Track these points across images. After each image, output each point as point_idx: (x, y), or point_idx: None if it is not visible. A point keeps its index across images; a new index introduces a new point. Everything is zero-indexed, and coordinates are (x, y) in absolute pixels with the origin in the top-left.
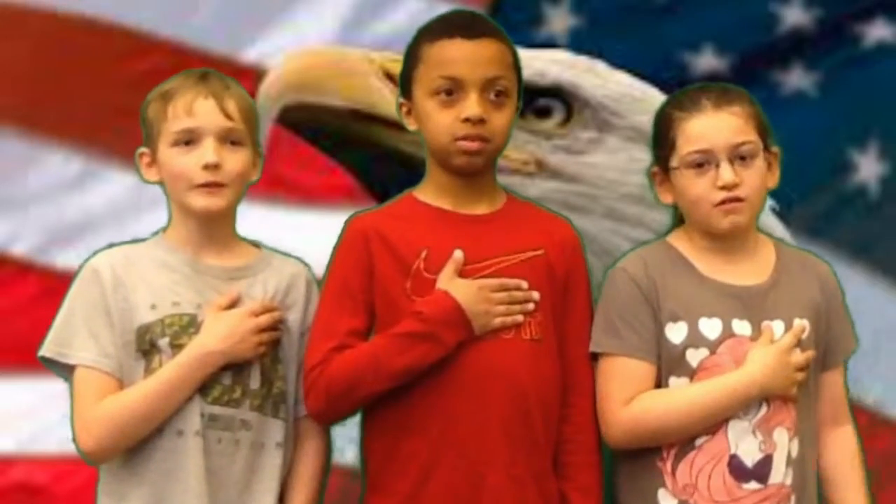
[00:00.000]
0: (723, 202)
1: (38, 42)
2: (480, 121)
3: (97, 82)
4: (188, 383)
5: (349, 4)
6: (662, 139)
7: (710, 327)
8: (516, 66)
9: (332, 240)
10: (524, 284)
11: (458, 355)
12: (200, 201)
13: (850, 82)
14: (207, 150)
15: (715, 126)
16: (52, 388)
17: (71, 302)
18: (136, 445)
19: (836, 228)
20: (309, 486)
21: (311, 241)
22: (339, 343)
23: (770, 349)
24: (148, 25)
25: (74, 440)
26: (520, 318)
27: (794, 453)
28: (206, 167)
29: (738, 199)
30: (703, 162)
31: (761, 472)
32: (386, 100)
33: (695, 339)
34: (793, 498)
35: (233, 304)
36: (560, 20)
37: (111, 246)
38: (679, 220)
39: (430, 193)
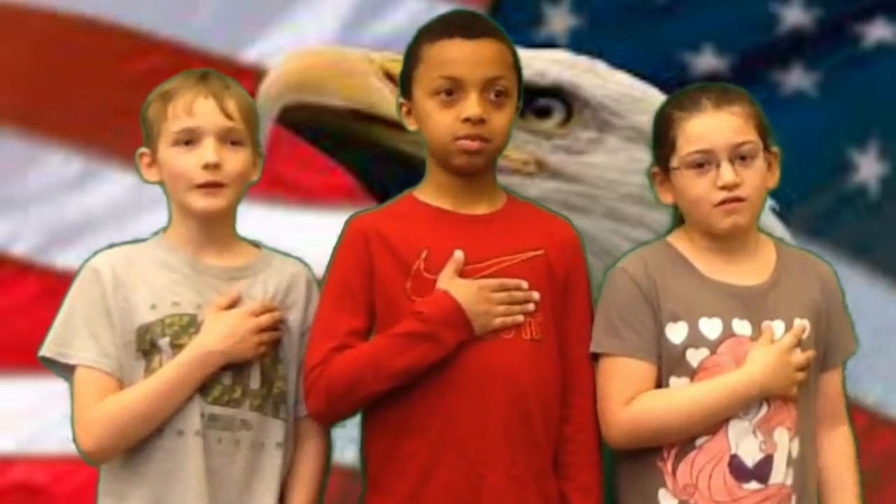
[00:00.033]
0: (723, 202)
1: (38, 42)
2: (480, 121)
3: (97, 82)
4: (188, 383)
5: (349, 4)
6: (662, 139)
7: (711, 327)
8: (516, 66)
9: (332, 240)
10: (524, 284)
11: (458, 355)
12: (200, 202)
13: (850, 82)
14: (207, 150)
15: (715, 126)
16: (52, 388)
17: (71, 302)
18: (137, 445)
19: (836, 228)
20: (309, 486)
21: (311, 241)
22: (340, 343)
23: (770, 349)
24: (148, 25)
25: (75, 440)
26: (520, 318)
27: (795, 453)
28: (206, 167)
29: (738, 199)
30: (704, 162)
31: (762, 472)
32: (386, 100)
33: (695, 339)
34: (793, 498)
35: (233, 304)
36: (560, 20)
37: (111, 246)
38: (679, 220)
39: (430, 193)
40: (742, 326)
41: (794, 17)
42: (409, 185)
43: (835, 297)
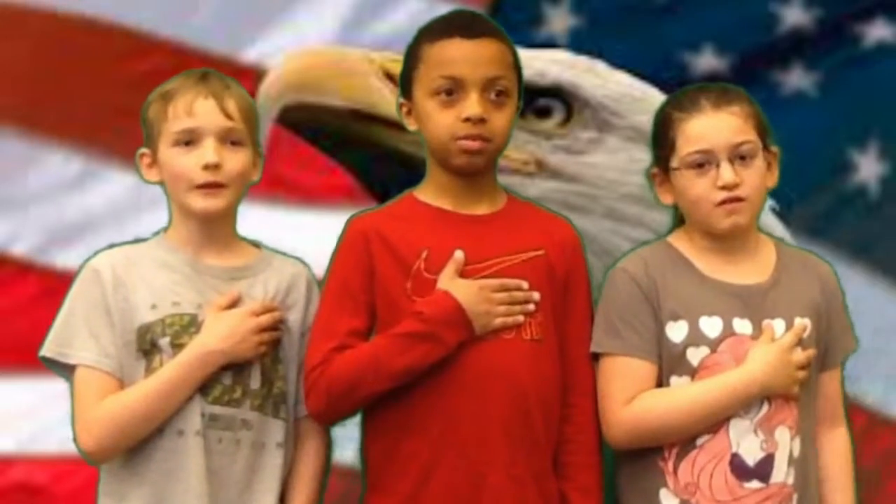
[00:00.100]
0: (723, 202)
1: (38, 42)
2: (481, 120)
3: (97, 82)
4: (189, 383)
5: (349, 4)
6: (662, 140)
7: (711, 326)
8: (516, 66)
9: (332, 240)
10: (525, 285)
11: (458, 355)
12: (200, 202)
13: (850, 82)
14: (207, 151)
15: (715, 126)
16: (52, 388)
17: (71, 302)
18: (137, 445)
19: (836, 228)
20: (309, 486)
21: (311, 241)
22: (340, 343)
23: (771, 347)
24: (148, 25)
25: (75, 440)
26: (520, 318)
27: (796, 452)
28: (207, 167)
29: (738, 199)
30: (704, 162)
31: (763, 471)
32: (386, 100)
33: (695, 338)
34: (795, 497)
35: (233, 304)
36: (560, 20)
37: (112, 246)
38: (679, 220)
39: (430, 193)
40: (742, 325)
41: (794, 17)
42: (409, 185)
43: (835, 296)
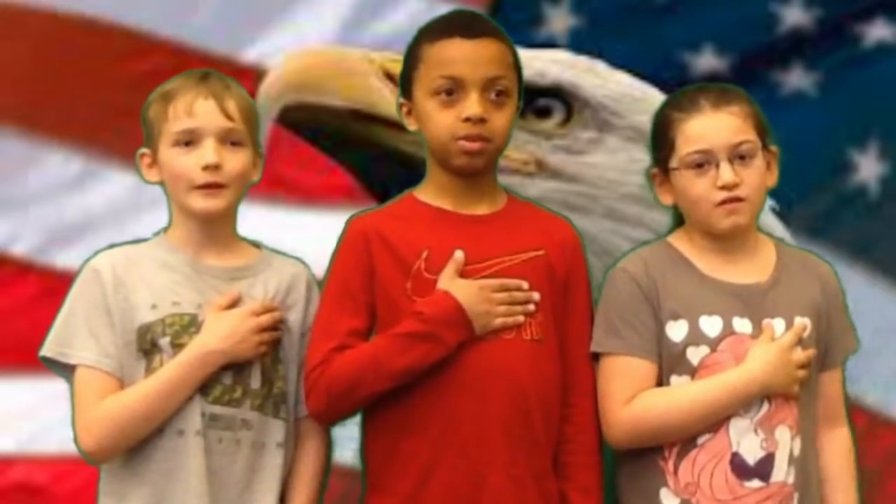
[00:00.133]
0: (723, 202)
1: (38, 42)
2: (481, 120)
3: (97, 82)
4: (189, 383)
5: (349, 4)
6: (661, 140)
7: (711, 325)
8: (517, 65)
9: (332, 240)
10: (525, 285)
11: (458, 355)
12: (200, 203)
13: (850, 82)
14: (208, 151)
15: (714, 126)
16: (52, 388)
17: (72, 302)
18: (137, 445)
19: (836, 228)
20: (309, 487)
21: (311, 241)
22: (340, 343)
23: (771, 346)
24: (148, 25)
25: (75, 440)
26: (521, 318)
27: (797, 452)
28: (207, 168)
29: (738, 199)
30: (703, 162)
31: (763, 470)
32: (386, 100)
33: (695, 337)
34: (795, 497)
35: (233, 304)
36: (560, 20)
37: (112, 246)
38: (679, 220)
39: (430, 194)
40: (742, 324)
41: (794, 17)
42: (409, 185)
43: (835, 297)
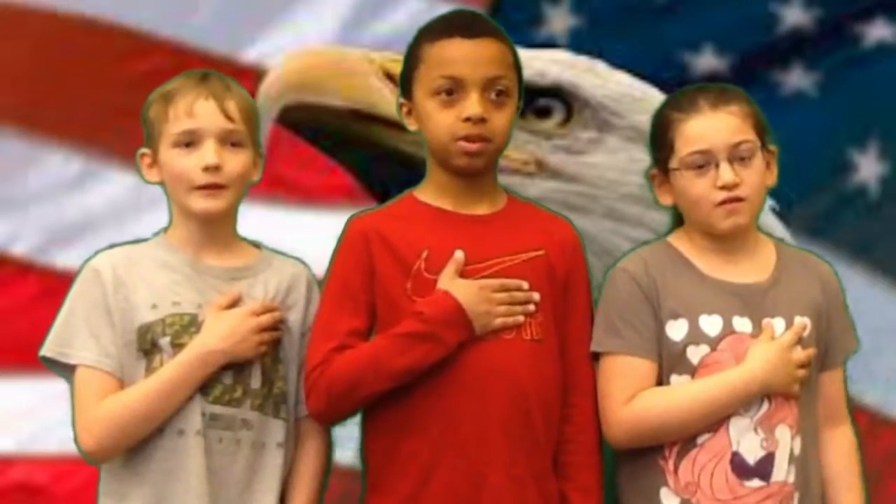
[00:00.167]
0: (723, 202)
1: (38, 42)
2: (481, 120)
3: (97, 82)
4: (189, 382)
5: (349, 4)
6: (661, 141)
7: (711, 324)
8: (517, 65)
9: (332, 240)
10: (525, 285)
11: (458, 355)
12: (200, 203)
13: (850, 82)
14: (208, 152)
15: (713, 126)
16: (52, 388)
17: (72, 302)
18: (137, 445)
19: (836, 228)
20: (310, 486)
21: (311, 241)
22: (340, 343)
23: (771, 345)
24: (148, 25)
25: (75, 440)
26: (521, 318)
27: (797, 451)
28: (207, 169)
29: (738, 199)
30: (703, 163)
31: (763, 469)
32: (386, 100)
33: (695, 336)
34: (796, 496)
35: (233, 304)
36: (560, 20)
37: (112, 246)
38: (678, 220)
39: (430, 193)
40: (742, 324)
41: (794, 17)
42: (409, 185)
43: (836, 297)
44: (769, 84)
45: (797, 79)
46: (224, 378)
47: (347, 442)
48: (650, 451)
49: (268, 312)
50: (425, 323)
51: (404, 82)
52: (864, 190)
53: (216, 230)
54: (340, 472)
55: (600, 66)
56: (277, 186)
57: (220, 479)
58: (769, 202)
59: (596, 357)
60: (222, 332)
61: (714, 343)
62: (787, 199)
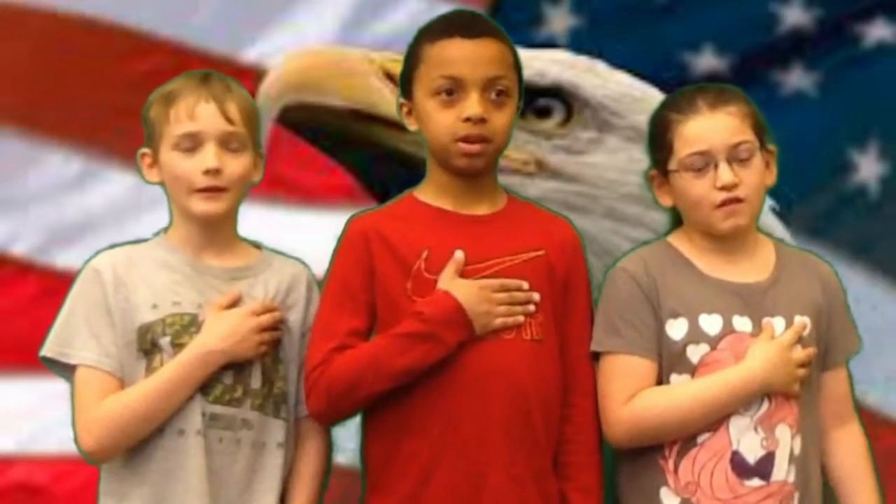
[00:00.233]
0: (723, 203)
1: (38, 42)
2: (481, 120)
3: (97, 82)
4: (189, 382)
5: (349, 4)
6: (659, 142)
7: (711, 323)
8: (517, 65)
9: (332, 240)
10: (525, 285)
11: (458, 355)
12: (200, 206)
13: (850, 82)
14: (209, 156)
15: (712, 127)
16: (52, 388)
17: (72, 302)
18: (138, 445)
19: (836, 228)
20: (310, 486)
21: (311, 241)
22: (340, 343)
23: (771, 345)
24: (148, 25)
25: (76, 440)
26: (521, 318)
27: (797, 451)
28: (207, 172)
29: (737, 200)
30: (702, 164)
31: (764, 469)
32: (386, 100)
33: (695, 336)
34: (796, 496)
35: (234, 304)
36: (560, 20)
37: (113, 246)
38: (677, 221)
39: (430, 194)
40: (742, 323)
41: (794, 17)
42: (409, 185)
43: (836, 297)
44: (769, 84)
45: (797, 79)
46: (224, 378)
47: (347, 442)
48: (650, 451)
49: (268, 312)
50: (425, 323)
51: (404, 82)
52: (864, 190)
53: (216, 231)
54: (340, 472)
55: (600, 66)
56: (277, 186)
57: (221, 479)
58: (769, 202)
59: (596, 357)
60: (222, 332)
61: (714, 342)
62: (787, 199)
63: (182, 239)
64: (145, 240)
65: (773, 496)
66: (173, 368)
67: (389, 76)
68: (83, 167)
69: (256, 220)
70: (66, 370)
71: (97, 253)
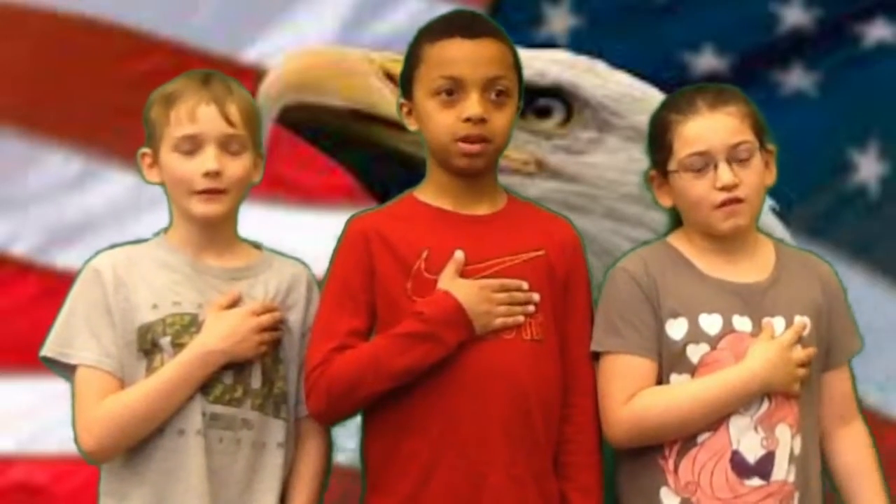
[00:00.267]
0: (723, 203)
1: (38, 42)
2: (481, 120)
3: (97, 82)
4: (189, 382)
5: (349, 4)
6: (659, 143)
7: (711, 323)
8: (517, 66)
9: (332, 240)
10: (525, 285)
11: (459, 355)
12: (200, 208)
13: (850, 82)
14: (209, 158)
15: (711, 127)
16: (52, 388)
17: (72, 302)
18: (138, 445)
19: (836, 228)
20: (310, 486)
21: (311, 241)
22: (340, 343)
23: (771, 344)
24: (148, 25)
25: (76, 440)
26: (521, 318)
27: (797, 450)
28: (207, 174)
29: (737, 200)
30: (702, 164)
31: (763, 468)
32: (386, 100)
33: (695, 335)
34: (796, 496)
35: (234, 304)
36: (560, 20)
37: (113, 246)
38: (677, 221)
39: (430, 194)
40: (742, 323)
41: (794, 17)
42: (409, 185)
43: (836, 297)
44: (769, 84)
45: (797, 79)
46: (224, 378)
47: (347, 442)
48: (650, 451)
49: (268, 312)
50: (425, 323)
51: (404, 82)
52: (864, 190)
53: (216, 232)
54: (340, 472)
55: (600, 66)
56: (277, 186)
57: (221, 479)
58: (769, 202)
59: (596, 357)
60: (222, 332)
61: (714, 342)
62: (787, 199)
63: (182, 239)
64: (145, 240)
65: (773, 496)
66: (173, 368)
67: (389, 76)
68: (83, 167)
69: (256, 221)
70: (66, 370)
71: (97, 253)
